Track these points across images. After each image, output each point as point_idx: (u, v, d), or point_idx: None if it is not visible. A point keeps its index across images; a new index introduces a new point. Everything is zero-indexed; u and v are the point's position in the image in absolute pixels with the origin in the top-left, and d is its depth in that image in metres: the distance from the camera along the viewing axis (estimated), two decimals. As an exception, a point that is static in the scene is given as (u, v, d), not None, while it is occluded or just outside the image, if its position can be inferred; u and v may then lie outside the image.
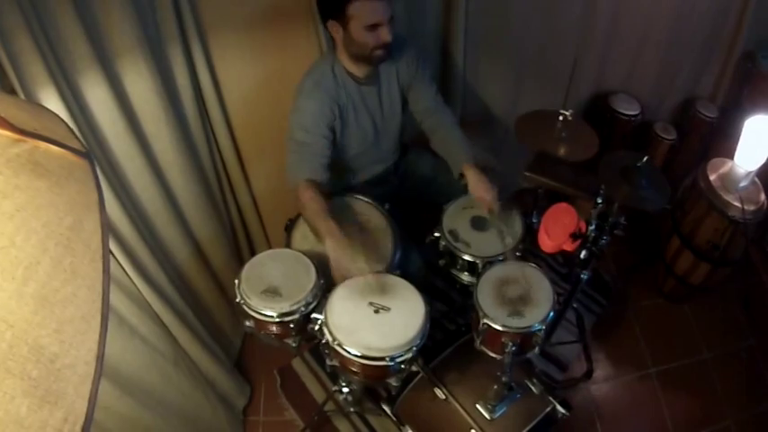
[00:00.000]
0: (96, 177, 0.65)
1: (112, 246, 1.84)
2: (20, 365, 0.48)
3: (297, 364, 2.96)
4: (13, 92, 1.48)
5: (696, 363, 3.01)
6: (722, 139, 3.18)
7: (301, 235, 2.30)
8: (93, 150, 1.75)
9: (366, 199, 2.39)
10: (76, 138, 0.68)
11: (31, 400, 0.48)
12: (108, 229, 0.60)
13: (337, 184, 2.46)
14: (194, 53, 2.12)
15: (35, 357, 0.49)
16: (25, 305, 0.50)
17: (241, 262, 2.29)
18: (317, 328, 1.93)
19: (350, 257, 1.99)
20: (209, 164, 2.45)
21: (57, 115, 0.72)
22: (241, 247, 2.95)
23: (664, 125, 3.30)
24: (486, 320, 1.95)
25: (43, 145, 0.62)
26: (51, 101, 1.56)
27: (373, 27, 2.03)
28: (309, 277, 2.01)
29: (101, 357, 0.53)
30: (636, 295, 3.29)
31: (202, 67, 2.17)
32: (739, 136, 2.62)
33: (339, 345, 1.85)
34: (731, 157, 2.71)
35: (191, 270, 2.49)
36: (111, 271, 1.78)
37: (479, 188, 2.23)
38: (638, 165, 2.09)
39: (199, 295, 2.59)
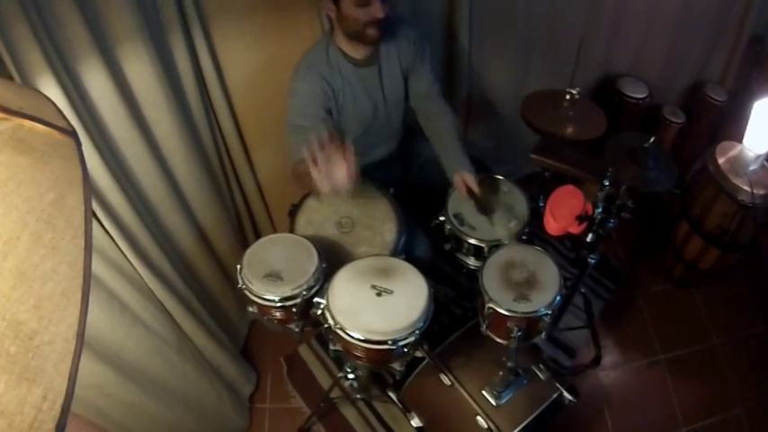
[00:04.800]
0: (81, 155, 0.65)
1: (114, 233, 1.83)
2: (-4, 341, 0.47)
3: (303, 351, 2.96)
4: (10, 80, 1.47)
5: (705, 349, 2.99)
6: (731, 122, 3.15)
7: (306, 220, 2.28)
8: (93, 137, 1.73)
9: (370, 183, 2.37)
10: (63, 117, 0.68)
11: (8, 376, 0.47)
12: (91, 205, 0.59)
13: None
14: (195, 38, 2.10)
15: (13, 333, 0.48)
16: (4, 280, 0.49)
17: (246, 248, 2.28)
18: (319, 312, 1.92)
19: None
20: (213, 149, 2.44)
21: (44, 95, 0.71)
22: (246, 234, 2.94)
23: (672, 109, 3.27)
24: (491, 304, 1.93)
25: (28, 123, 0.62)
26: (50, 88, 1.54)
27: (365, 2, 2.00)
28: (311, 261, 1.99)
29: (81, 335, 0.52)
30: (644, 280, 3.27)
31: (204, 51, 2.15)
32: (748, 119, 2.60)
33: (341, 328, 1.83)
34: (740, 140, 2.68)
35: (195, 257, 2.48)
36: (113, 258, 1.76)
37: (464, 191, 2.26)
38: (646, 146, 2.06)
39: (203, 282, 2.58)
